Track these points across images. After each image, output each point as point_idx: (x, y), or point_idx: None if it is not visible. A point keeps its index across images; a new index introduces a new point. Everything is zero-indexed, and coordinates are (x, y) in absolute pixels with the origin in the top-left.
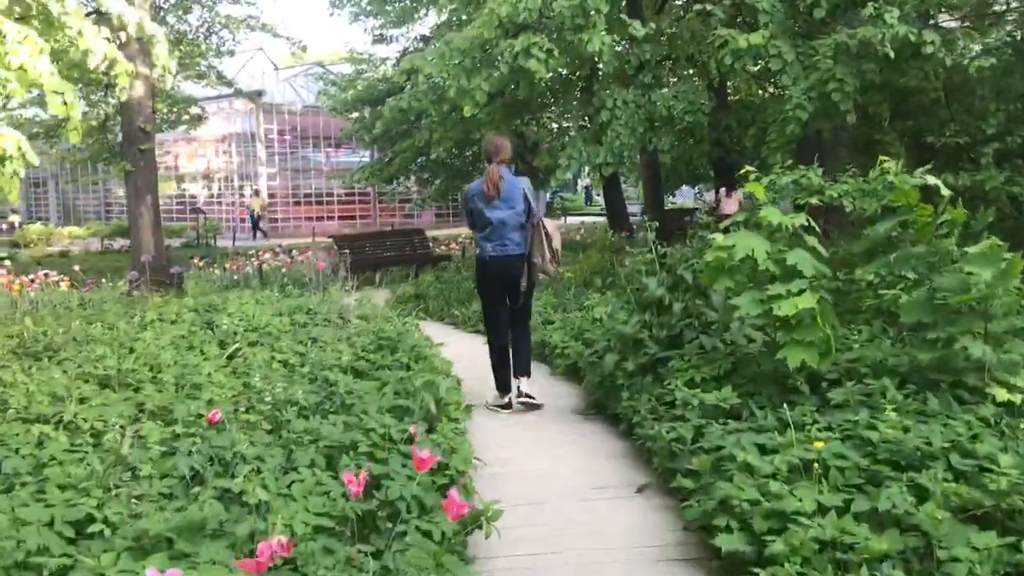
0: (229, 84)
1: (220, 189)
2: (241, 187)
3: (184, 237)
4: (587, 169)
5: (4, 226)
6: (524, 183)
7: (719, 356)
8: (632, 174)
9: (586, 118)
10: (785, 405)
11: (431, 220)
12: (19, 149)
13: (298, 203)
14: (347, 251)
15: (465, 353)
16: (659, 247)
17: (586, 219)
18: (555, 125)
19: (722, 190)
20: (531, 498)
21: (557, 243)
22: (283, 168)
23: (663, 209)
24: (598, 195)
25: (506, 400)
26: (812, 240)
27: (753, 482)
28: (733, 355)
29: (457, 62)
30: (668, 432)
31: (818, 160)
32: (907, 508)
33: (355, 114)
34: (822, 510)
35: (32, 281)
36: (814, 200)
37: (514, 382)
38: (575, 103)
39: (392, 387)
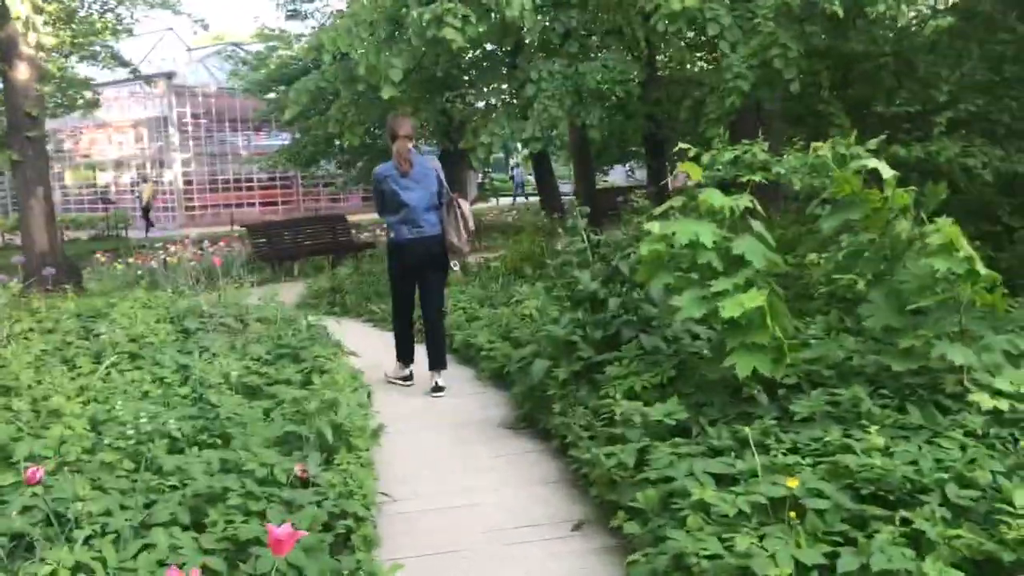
0: (125, 64)
1: (134, 177)
2: (158, 175)
3: (95, 229)
4: (518, 149)
5: None
6: (434, 163)
7: (662, 359)
8: (563, 152)
9: (512, 92)
10: (741, 419)
11: (358, 204)
12: None
13: (215, 189)
14: (261, 240)
15: (382, 359)
16: (591, 234)
17: (519, 200)
18: (481, 104)
19: (678, 166)
20: (445, 544)
21: (472, 222)
22: (199, 153)
23: (594, 189)
24: (530, 175)
25: (407, 372)
26: (758, 225)
27: (712, 528)
28: (677, 356)
29: (366, 35)
30: (607, 457)
31: (759, 133)
32: (905, 566)
33: (271, 95)
34: (802, 571)
35: None
36: (758, 177)
37: (431, 375)
38: (501, 78)
39: (285, 409)
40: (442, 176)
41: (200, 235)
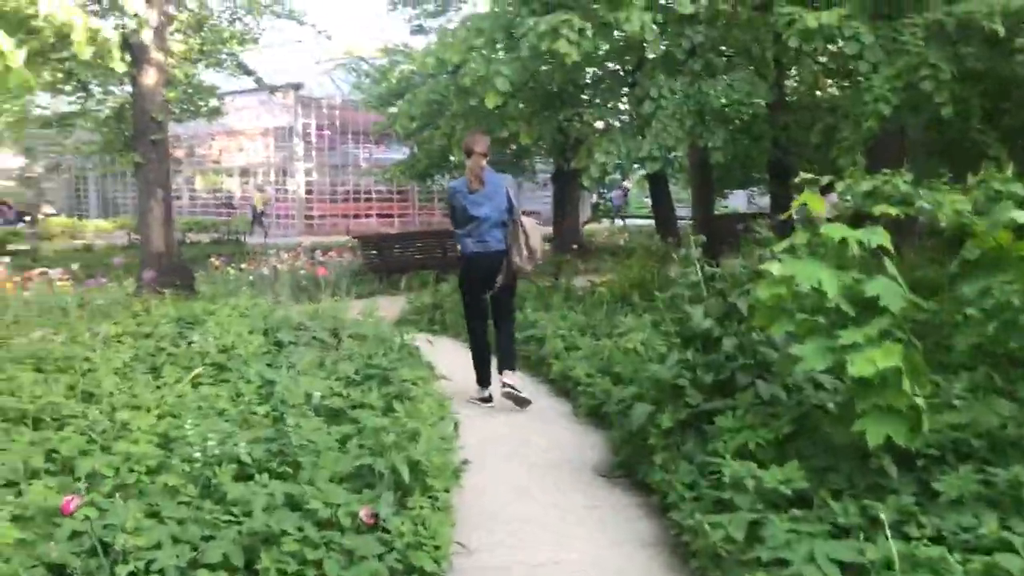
0: (250, 73)
1: (258, 183)
2: (281, 183)
3: (217, 232)
4: (634, 168)
5: (28, 218)
6: (507, 180)
7: (780, 411)
8: (682, 175)
9: (631, 111)
10: (872, 492)
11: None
12: None
13: (335, 200)
14: (372, 252)
15: (473, 384)
16: (707, 265)
17: (617, 223)
18: (599, 123)
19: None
20: None
21: (535, 241)
22: (321, 163)
23: (712, 215)
24: (646, 197)
25: (487, 394)
26: (890, 265)
27: None
28: (799, 408)
29: (479, 43)
30: (713, 527)
31: (891, 162)
32: None
33: (392, 108)
34: None
35: (27, 280)
36: (895, 212)
37: (498, 377)
38: (622, 96)
39: (364, 439)
40: (512, 194)
41: (314, 244)
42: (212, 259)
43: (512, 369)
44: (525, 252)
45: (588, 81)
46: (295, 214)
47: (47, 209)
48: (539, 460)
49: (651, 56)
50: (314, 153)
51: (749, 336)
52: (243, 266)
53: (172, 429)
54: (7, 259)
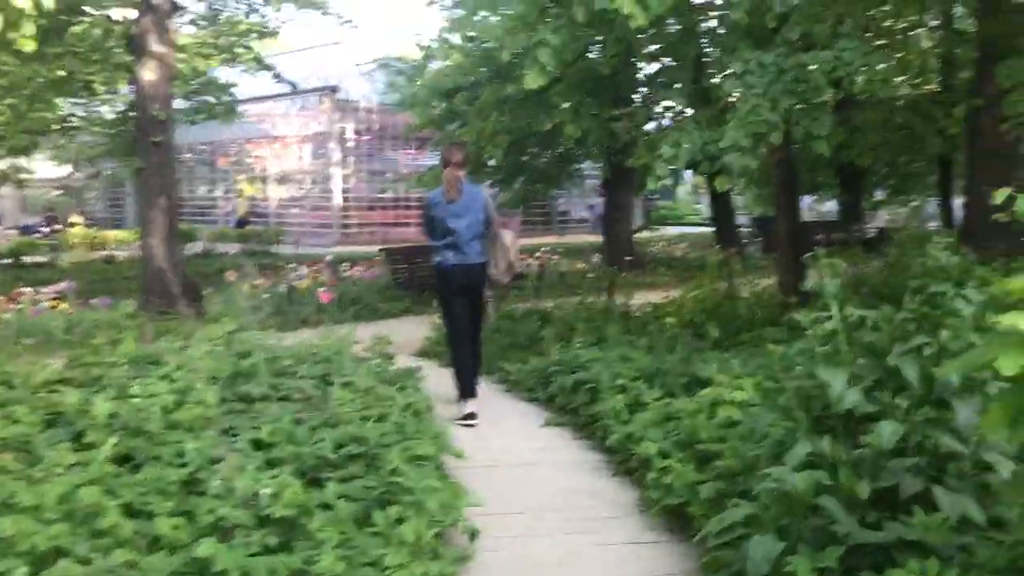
0: (268, 68)
1: (295, 192)
2: (325, 190)
3: (246, 243)
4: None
5: (45, 229)
6: (484, 192)
7: (979, 542)
8: (744, 178)
9: (702, 97)
10: None
11: (516, 228)
12: None
13: (373, 208)
14: (401, 265)
15: (523, 459)
16: (842, 307)
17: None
18: (653, 124)
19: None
20: None
21: (513, 254)
22: (359, 170)
23: (799, 225)
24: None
25: (469, 410)
26: None
27: None
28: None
29: (514, 13)
30: None
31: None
32: None
33: (434, 110)
34: None
35: (12, 300)
36: None
37: (461, 403)
38: (684, 86)
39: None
40: (490, 206)
41: (343, 256)
42: (227, 273)
43: (474, 396)
44: (502, 264)
45: (643, 76)
46: (332, 223)
47: (75, 218)
48: None
49: (724, 32)
50: (351, 159)
51: (919, 415)
52: (256, 282)
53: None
54: None
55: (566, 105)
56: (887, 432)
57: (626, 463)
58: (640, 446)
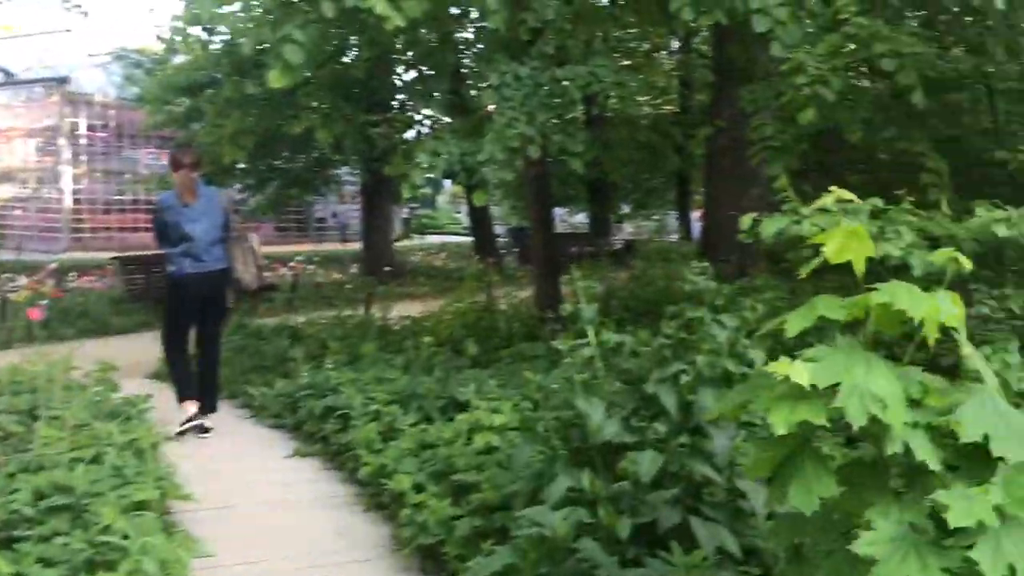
0: None
1: (18, 191)
2: (54, 190)
3: None
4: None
5: None
6: (221, 195)
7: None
8: (500, 190)
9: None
10: None
11: (269, 233)
12: None
13: (108, 211)
14: (137, 275)
15: (258, 496)
16: (599, 332)
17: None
18: (413, 133)
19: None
20: None
21: (259, 259)
22: (94, 169)
23: (554, 237)
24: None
25: (194, 410)
26: (982, 362)
27: None
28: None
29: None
30: None
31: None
32: None
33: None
34: None
35: None
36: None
37: (198, 417)
38: (441, 95)
39: None
40: (229, 208)
41: (70, 263)
42: None
43: (214, 410)
44: (253, 269)
45: (399, 82)
46: (61, 226)
47: None
48: None
49: (482, 44)
50: (84, 157)
51: (676, 443)
52: None
53: None
54: None
55: (318, 107)
56: (646, 462)
57: (378, 497)
58: (393, 479)
